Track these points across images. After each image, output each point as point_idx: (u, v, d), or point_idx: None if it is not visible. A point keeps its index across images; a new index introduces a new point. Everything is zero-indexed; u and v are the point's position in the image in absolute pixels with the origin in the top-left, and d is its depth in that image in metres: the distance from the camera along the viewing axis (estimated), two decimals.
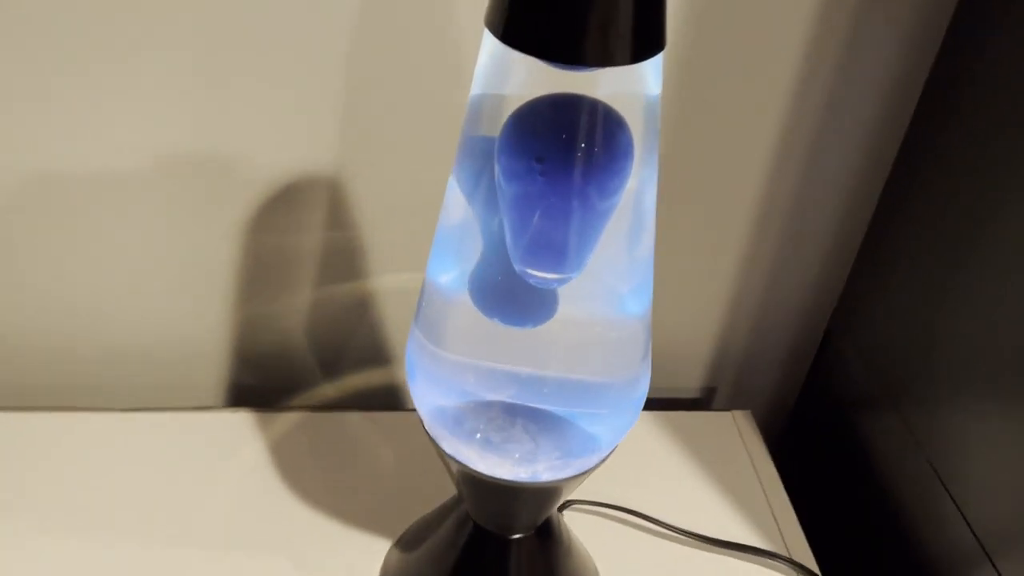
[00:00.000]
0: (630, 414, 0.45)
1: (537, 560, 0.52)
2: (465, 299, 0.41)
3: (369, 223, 0.65)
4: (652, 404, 0.79)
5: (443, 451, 0.46)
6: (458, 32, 0.57)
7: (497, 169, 0.36)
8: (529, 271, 0.39)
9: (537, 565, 0.53)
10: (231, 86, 0.57)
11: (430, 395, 0.45)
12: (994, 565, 0.52)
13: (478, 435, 0.44)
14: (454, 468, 0.47)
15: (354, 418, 0.70)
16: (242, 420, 0.68)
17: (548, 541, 0.53)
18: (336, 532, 0.60)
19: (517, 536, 0.52)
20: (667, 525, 0.63)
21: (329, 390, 0.74)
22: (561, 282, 0.40)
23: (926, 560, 0.58)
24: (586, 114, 0.34)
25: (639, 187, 0.37)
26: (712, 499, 0.67)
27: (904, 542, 0.61)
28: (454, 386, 0.44)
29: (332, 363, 0.73)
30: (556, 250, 0.38)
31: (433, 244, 0.43)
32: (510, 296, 0.40)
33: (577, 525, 0.63)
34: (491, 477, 0.45)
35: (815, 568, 0.62)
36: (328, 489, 0.63)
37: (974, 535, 0.54)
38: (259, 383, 0.73)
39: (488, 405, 0.44)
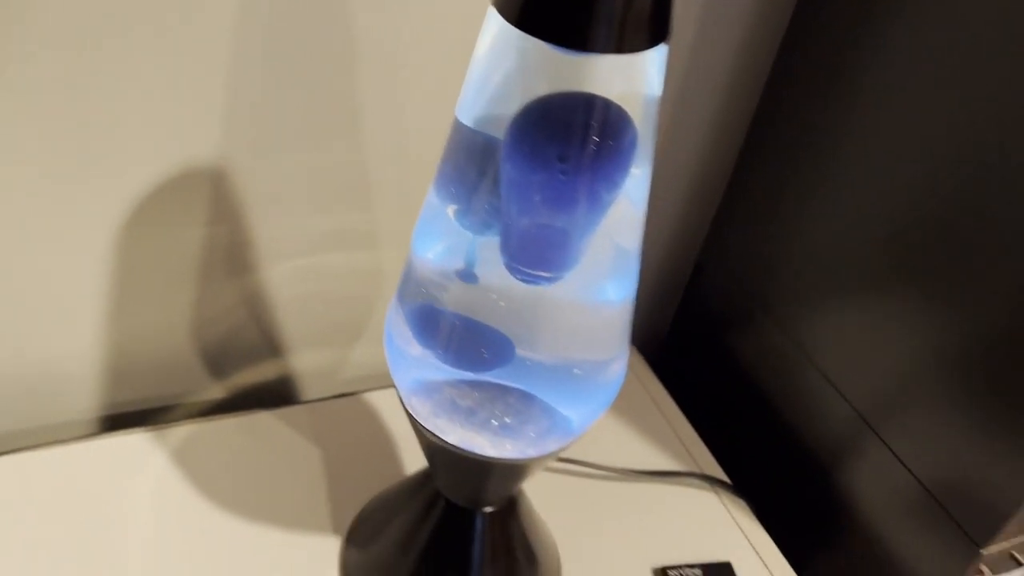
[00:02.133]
0: (607, 396, 0.47)
1: (507, 530, 0.54)
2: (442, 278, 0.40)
3: (249, 215, 0.61)
4: None
5: (422, 427, 0.46)
6: (344, 16, 0.54)
7: (507, 168, 0.35)
8: (524, 269, 0.39)
9: (507, 535, 0.54)
10: (101, 76, 0.50)
11: (410, 370, 0.44)
12: (876, 433, 0.60)
13: (462, 412, 0.44)
14: (432, 444, 0.47)
15: (262, 418, 0.66)
16: (136, 441, 0.62)
17: (516, 511, 0.54)
18: (278, 539, 0.58)
19: (488, 510, 0.52)
20: (595, 465, 0.66)
21: (218, 391, 0.69)
22: (552, 280, 0.40)
23: (817, 443, 0.66)
24: (599, 111, 0.34)
25: (635, 181, 0.38)
26: (623, 433, 0.71)
27: (795, 431, 0.68)
28: (435, 363, 0.43)
29: (220, 363, 0.68)
30: (559, 247, 0.38)
31: (419, 220, 0.42)
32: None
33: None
34: (471, 453, 0.45)
35: (725, 478, 0.69)
36: (253, 496, 0.60)
37: (855, 411, 0.62)
38: (139, 396, 0.67)
39: (472, 383, 0.44)
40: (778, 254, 0.68)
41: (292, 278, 0.65)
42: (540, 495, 0.64)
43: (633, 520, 0.64)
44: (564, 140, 0.34)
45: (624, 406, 0.73)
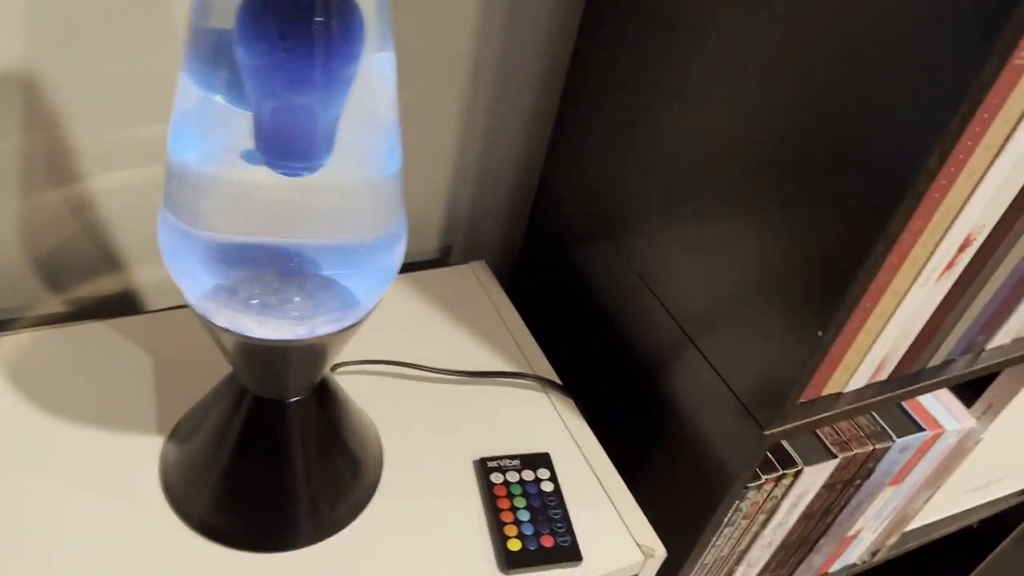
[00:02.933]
0: (390, 269, 0.49)
1: (317, 419, 0.56)
2: (216, 176, 0.42)
3: (72, 122, 0.61)
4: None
5: (215, 326, 0.47)
6: None
7: (239, 54, 0.37)
8: (280, 161, 0.41)
9: (317, 423, 0.56)
10: None
11: (192, 274, 0.46)
12: (695, 345, 0.63)
13: (250, 303, 0.46)
14: (228, 341, 0.48)
15: (97, 327, 0.67)
16: None
17: (325, 401, 0.56)
18: (104, 440, 0.59)
19: (295, 399, 0.54)
20: (430, 368, 0.69)
21: (59, 305, 0.70)
22: (311, 169, 0.42)
23: (643, 352, 0.70)
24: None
25: (376, 58, 0.40)
26: (462, 341, 0.73)
27: (624, 341, 0.72)
28: (216, 262, 0.45)
29: (56, 276, 0.68)
30: (306, 132, 0.40)
31: (171, 127, 0.43)
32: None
33: (351, 386, 0.67)
34: (265, 340, 0.48)
35: (556, 379, 0.72)
36: (84, 401, 0.61)
37: (677, 325, 0.65)
38: None
39: (254, 275, 0.46)
40: (612, 175, 0.70)
41: (122, 189, 0.66)
42: (374, 396, 0.66)
43: (463, 418, 0.67)
44: (284, 20, 0.36)
45: (468, 315, 0.76)
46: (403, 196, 0.48)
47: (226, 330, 0.47)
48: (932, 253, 0.54)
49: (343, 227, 0.45)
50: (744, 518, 0.73)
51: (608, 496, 0.64)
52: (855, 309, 0.52)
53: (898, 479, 0.82)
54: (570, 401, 0.71)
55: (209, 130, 0.42)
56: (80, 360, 0.64)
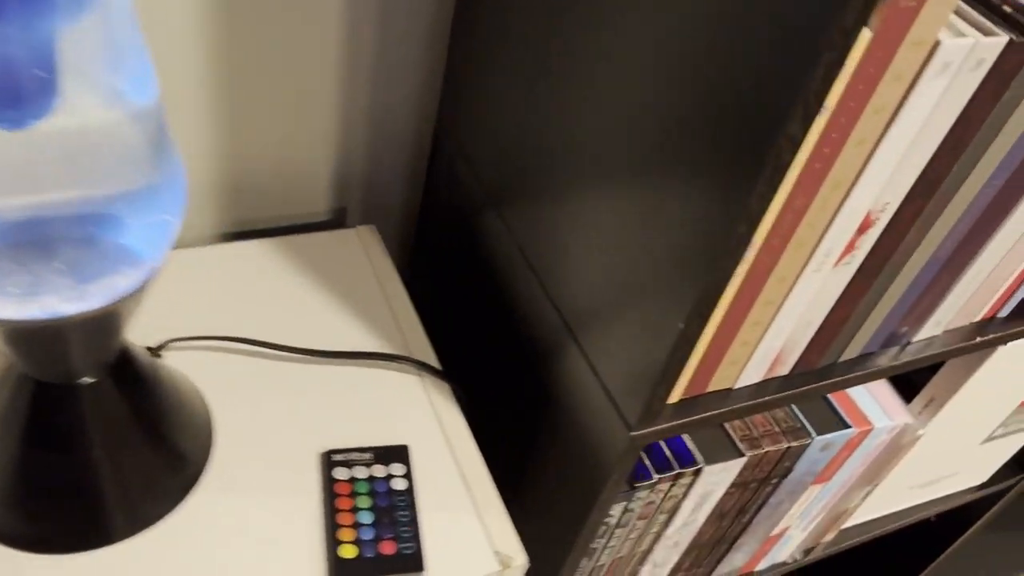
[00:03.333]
0: (168, 221, 0.41)
1: (116, 402, 0.49)
2: None
3: None
4: (283, 230, 0.77)
5: None
6: None
7: None
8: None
9: (116, 407, 0.49)
10: None
11: None
12: (574, 336, 0.56)
13: (8, 286, 0.39)
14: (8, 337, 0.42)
15: None
16: None
17: (126, 381, 0.50)
18: None
19: (86, 381, 0.48)
20: (284, 347, 0.62)
21: None
22: (35, 115, 0.34)
23: (525, 340, 0.62)
24: None
25: None
26: (335, 315, 0.66)
27: (507, 326, 0.64)
28: None
29: None
30: (8, 73, 0.32)
31: None
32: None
33: (189, 365, 0.60)
34: (29, 321, 0.41)
35: (434, 363, 0.65)
36: None
37: (558, 313, 0.57)
38: None
39: (4, 248, 0.39)
40: (501, 139, 0.62)
41: None
42: (216, 377, 0.59)
43: (318, 404, 0.60)
44: None
45: (344, 287, 0.68)
46: (168, 133, 0.40)
47: None
48: (823, 235, 0.46)
49: (93, 177, 0.38)
50: (639, 519, 0.67)
51: (471, 496, 0.57)
52: (718, 297, 0.44)
53: (823, 478, 0.75)
54: (446, 388, 0.63)
55: None
56: None
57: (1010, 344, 0.71)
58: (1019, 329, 0.65)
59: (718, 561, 0.81)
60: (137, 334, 0.61)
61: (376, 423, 0.60)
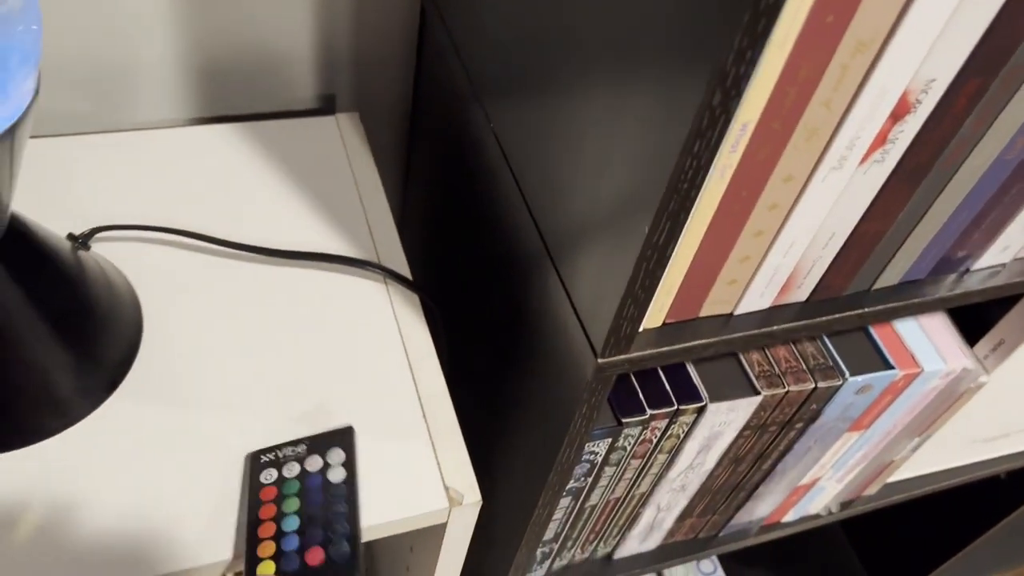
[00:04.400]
0: (28, 43, 0.34)
1: (8, 286, 0.43)
2: None
3: None
4: (268, 116, 0.70)
5: None
6: None
7: None
8: None
9: (9, 292, 0.43)
10: None
11: None
12: (552, 257, 0.47)
13: None
14: None
15: None
16: None
17: (18, 264, 0.43)
18: None
19: None
20: (227, 243, 0.55)
21: None
22: None
23: (502, 255, 0.54)
24: None
25: None
26: (298, 211, 0.59)
27: (486, 238, 0.56)
28: None
29: None
30: None
31: None
32: None
33: (125, 256, 0.54)
34: None
35: (406, 272, 0.57)
36: None
37: (535, 223, 0.48)
38: None
39: None
40: (489, 34, 0.52)
41: None
42: (158, 272, 0.53)
43: (268, 307, 0.53)
44: None
45: (318, 179, 0.61)
46: None
47: None
48: (842, 120, 0.35)
49: None
50: (634, 458, 0.58)
51: (426, 423, 0.50)
52: (691, 192, 0.34)
53: (861, 425, 0.64)
54: (415, 299, 0.56)
55: None
56: None
57: None
58: None
59: (737, 509, 0.72)
60: (65, 221, 0.55)
61: (327, 334, 0.53)
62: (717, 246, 0.40)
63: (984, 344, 0.67)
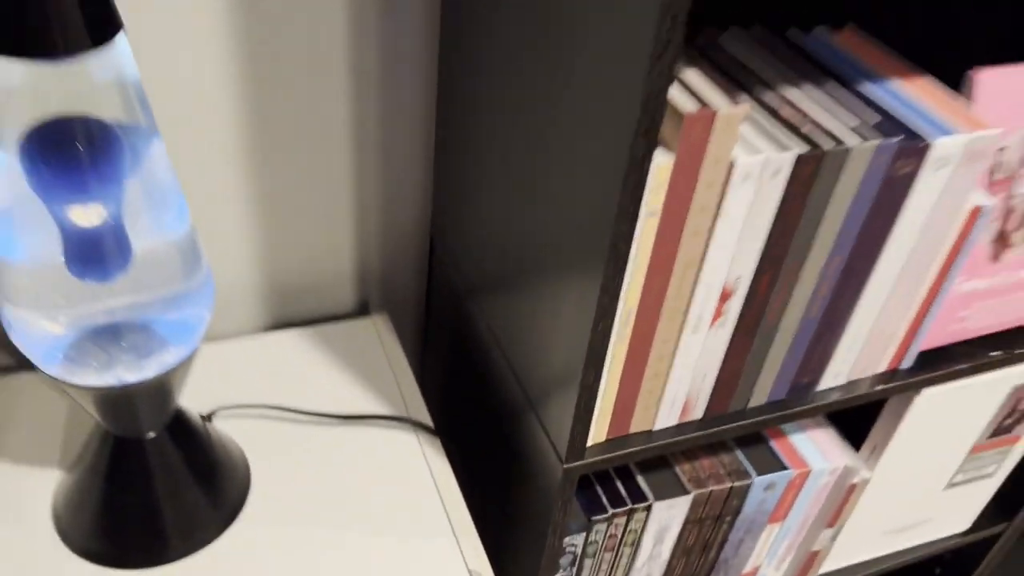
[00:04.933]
0: (199, 315, 0.58)
1: (173, 452, 0.66)
2: (40, 272, 0.53)
3: None
4: (318, 320, 0.94)
5: (68, 383, 0.58)
6: None
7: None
8: (93, 278, 0.52)
9: (173, 456, 0.66)
10: None
11: (34, 348, 0.56)
12: (531, 402, 0.70)
13: (88, 361, 0.56)
14: (76, 393, 0.59)
15: (24, 378, 0.79)
16: None
17: (181, 436, 0.66)
18: (7, 477, 0.71)
19: (150, 435, 0.64)
20: (307, 412, 0.78)
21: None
22: (118, 275, 0.52)
23: (497, 406, 0.77)
24: (79, 125, 0.46)
25: (154, 158, 0.50)
26: (352, 388, 0.82)
27: (485, 395, 0.79)
28: (50, 334, 0.56)
29: None
30: (101, 251, 0.50)
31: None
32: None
33: (236, 427, 0.77)
34: (107, 387, 0.58)
35: (429, 423, 0.80)
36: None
37: (520, 385, 0.72)
38: None
39: (87, 335, 0.56)
40: (478, 245, 0.79)
41: None
42: (253, 436, 0.76)
43: (337, 456, 0.76)
44: (53, 160, 0.47)
45: (364, 365, 0.85)
46: (199, 250, 0.58)
47: (72, 385, 0.58)
48: (689, 304, 0.60)
49: (146, 286, 0.55)
50: (606, 550, 0.79)
51: (451, 525, 0.71)
52: (603, 354, 0.58)
53: (778, 516, 0.85)
54: (437, 442, 0.78)
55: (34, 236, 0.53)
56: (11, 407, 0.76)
57: (929, 392, 0.81)
58: (921, 379, 0.76)
59: None
60: (194, 404, 0.78)
61: (377, 472, 0.75)
62: (630, 385, 0.63)
63: (866, 447, 0.88)
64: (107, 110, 0.48)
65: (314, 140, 0.81)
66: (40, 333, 0.55)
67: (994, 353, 0.79)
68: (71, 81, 0.46)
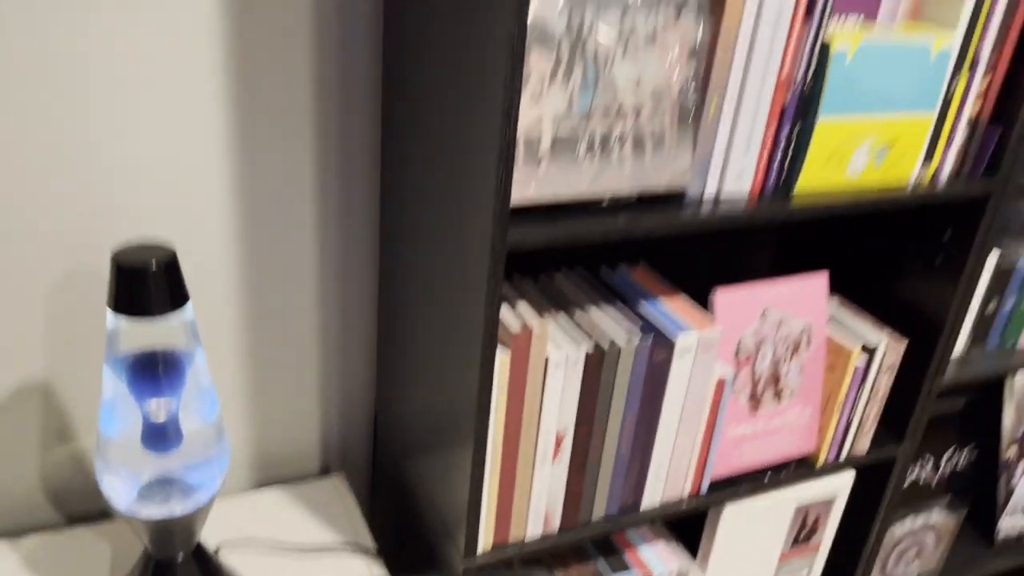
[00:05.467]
0: (222, 469, 0.91)
1: (195, 572, 0.95)
2: (121, 442, 0.85)
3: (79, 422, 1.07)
4: (291, 479, 1.25)
5: (136, 517, 0.89)
6: None
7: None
8: (159, 454, 0.85)
9: (196, 574, 0.95)
10: None
11: (116, 493, 0.88)
12: (449, 530, 1.02)
13: (152, 503, 0.88)
14: (144, 527, 0.90)
15: (31, 542, 1.08)
16: None
17: (201, 560, 0.96)
18: None
19: (180, 558, 0.94)
20: (288, 547, 1.08)
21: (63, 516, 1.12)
22: (176, 447, 0.86)
23: (423, 532, 1.08)
24: (160, 355, 0.81)
25: (200, 361, 0.85)
26: (315, 528, 1.13)
27: (414, 526, 1.10)
28: (128, 484, 0.87)
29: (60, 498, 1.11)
30: (164, 435, 0.84)
31: (101, 410, 0.88)
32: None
33: (236, 562, 1.06)
34: (162, 520, 0.89)
35: (373, 549, 1.10)
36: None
37: (440, 518, 1.04)
38: None
39: (151, 485, 0.88)
40: (407, 412, 1.13)
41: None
42: (248, 564, 1.05)
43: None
44: (150, 383, 0.81)
45: (325, 513, 1.15)
46: (223, 429, 0.91)
47: (139, 518, 0.89)
48: (536, 445, 0.94)
49: (191, 455, 0.88)
50: None
51: None
52: (480, 480, 0.91)
53: None
54: (381, 563, 1.08)
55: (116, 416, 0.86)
56: (81, 559, 1.05)
57: (730, 510, 1.14)
58: (714, 498, 1.09)
59: None
60: (207, 541, 1.08)
61: None
62: (502, 506, 0.96)
63: (700, 554, 1.20)
64: (176, 344, 0.83)
65: (289, 353, 1.16)
66: (122, 483, 0.87)
67: (767, 480, 1.13)
68: (157, 328, 0.82)
